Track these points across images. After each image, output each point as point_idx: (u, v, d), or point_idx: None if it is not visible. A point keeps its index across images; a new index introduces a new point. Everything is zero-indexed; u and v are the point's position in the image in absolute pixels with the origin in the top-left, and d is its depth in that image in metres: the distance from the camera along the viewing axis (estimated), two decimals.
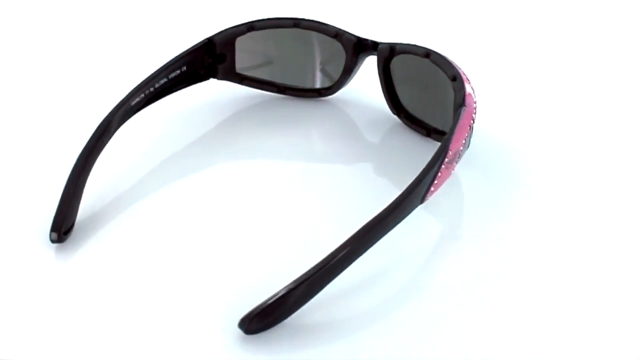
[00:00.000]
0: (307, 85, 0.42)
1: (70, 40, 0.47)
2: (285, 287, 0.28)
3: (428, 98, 0.38)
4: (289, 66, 0.41)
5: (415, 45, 0.38)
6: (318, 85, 0.41)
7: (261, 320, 0.28)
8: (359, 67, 0.40)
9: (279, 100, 0.42)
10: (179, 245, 0.33)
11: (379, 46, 0.39)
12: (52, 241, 0.32)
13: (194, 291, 0.31)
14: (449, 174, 0.33)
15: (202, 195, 0.36)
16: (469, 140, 0.35)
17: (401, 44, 0.38)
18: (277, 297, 0.28)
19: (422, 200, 0.32)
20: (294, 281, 0.28)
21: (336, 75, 0.40)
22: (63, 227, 0.32)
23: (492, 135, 0.39)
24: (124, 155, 0.37)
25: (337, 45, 0.40)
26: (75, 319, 0.29)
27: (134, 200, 0.35)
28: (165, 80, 0.39)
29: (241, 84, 0.41)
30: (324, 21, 0.40)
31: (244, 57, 0.41)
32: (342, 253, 0.29)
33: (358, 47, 0.40)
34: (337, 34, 0.40)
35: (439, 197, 0.34)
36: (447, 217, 0.35)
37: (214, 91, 0.41)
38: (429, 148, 0.35)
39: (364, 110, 0.41)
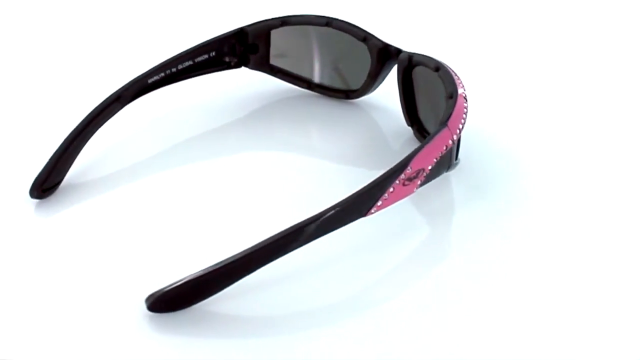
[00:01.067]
0: (336, 85, 0.42)
1: (97, 22, 0.50)
2: (192, 275, 0.29)
3: (435, 114, 0.37)
4: (319, 64, 0.42)
5: (429, 58, 0.37)
6: (346, 86, 0.42)
7: (164, 301, 0.29)
8: (386, 73, 0.40)
9: (306, 97, 0.42)
10: (144, 223, 0.34)
11: (400, 55, 0.38)
12: (30, 195, 0.35)
13: (138, 265, 0.32)
14: (409, 192, 0.32)
15: (190, 179, 0.37)
16: (452, 161, 0.34)
17: (418, 54, 0.37)
18: (180, 283, 0.29)
19: (364, 214, 0.31)
20: (203, 270, 0.29)
21: (363, 79, 0.40)
22: (45, 184, 0.35)
23: (489, 139, 0.39)
24: (136, 131, 0.39)
25: (364, 49, 0.40)
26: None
27: (127, 175, 0.37)
28: (190, 62, 0.40)
29: (273, 75, 0.42)
30: (358, 22, 0.40)
31: (277, 50, 0.42)
32: (255, 250, 0.29)
33: (383, 54, 0.39)
34: (365, 38, 0.40)
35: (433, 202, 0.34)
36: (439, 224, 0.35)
37: (244, 81, 0.43)
38: None
39: (391, 117, 0.41)
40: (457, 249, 0.34)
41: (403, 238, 0.34)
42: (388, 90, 0.40)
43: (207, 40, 0.41)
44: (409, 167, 0.32)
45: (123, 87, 0.38)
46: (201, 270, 0.29)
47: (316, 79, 0.42)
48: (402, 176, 0.31)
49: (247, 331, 0.30)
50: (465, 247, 0.34)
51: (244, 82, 0.43)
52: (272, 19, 0.41)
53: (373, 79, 0.40)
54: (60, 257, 0.33)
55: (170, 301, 0.29)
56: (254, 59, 0.42)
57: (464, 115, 0.34)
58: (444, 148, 0.33)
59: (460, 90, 0.35)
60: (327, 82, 0.42)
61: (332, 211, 0.30)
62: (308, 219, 0.30)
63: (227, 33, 0.41)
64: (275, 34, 0.42)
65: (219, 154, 0.39)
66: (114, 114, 0.37)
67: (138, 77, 0.39)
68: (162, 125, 0.40)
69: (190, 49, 0.40)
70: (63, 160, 0.35)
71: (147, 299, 0.29)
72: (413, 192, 0.32)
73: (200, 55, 0.40)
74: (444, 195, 0.36)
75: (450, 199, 0.36)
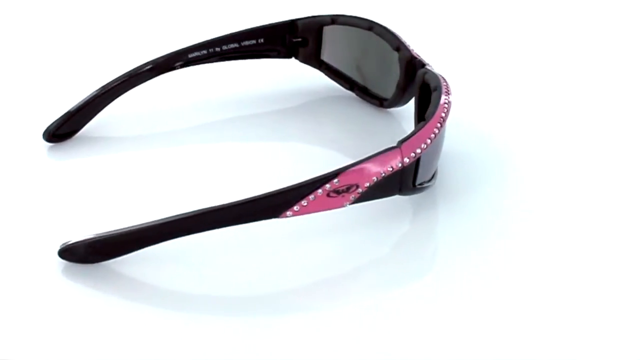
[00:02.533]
0: (375, 90, 0.41)
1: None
2: (102, 234, 0.31)
3: None
4: (362, 67, 0.41)
5: (436, 76, 0.36)
6: (383, 94, 0.41)
7: (73, 251, 0.31)
8: (413, 86, 0.39)
9: (344, 99, 0.42)
10: (131, 183, 0.37)
11: (418, 71, 0.37)
12: (43, 137, 0.38)
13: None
14: (337, 205, 0.31)
15: (194, 158, 0.39)
16: (406, 184, 0.33)
17: (431, 72, 0.36)
18: (90, 240, 0.31)
19: (278, 215, 0.31)
20: (110, 232, 0.31)
21: (393, 89, 0.39)
22: (59, 130, 0.38)
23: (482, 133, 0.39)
24: (168, 101, 0.42)
25: (396, 59, 0.39)
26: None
27: (140, 139, 0.40)
28: (235, 45, 0.42)
29: (320, 70, 0.43)
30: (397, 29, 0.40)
31: (327, 46, 0.42)
32: (166, 222, 0.30)
33: (410, 66, 0.38)
34: (398, 48, 0.39)
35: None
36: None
37: (291, 72, 0.44)
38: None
39: None
40: (448, 245, 0.34)
41: (389, 234, 0.34)
42: None
43: (257, 27, 0.42)
44: (336, 180, 0.31)
45: (161, 57, 0.41)
46: (107, 232, 0.31)
47: (359, 81, 0.42)
48: (327, 187, 0.31)
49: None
50: (456, 243, 0.34)
51: (290, 73, 0.44)
52: (323, 15, 0.42)
53: (401, 91, 0.39)
54: (47, 190, 0.36)
55: (75, 253, 0.31)
56: (303, 52, 0.43)
57: (429, 141, 0.32)
58: (389, 169, 0.32)
59: (440, 114, 0.33)
60: (368, 86, 0.41)
61: (240, 205, 0.30)
62: (217, 206, 0.31)
63: (277, 23, 0.42)
64: (327, 31, 0.42)
65: (234, 139, 0.40)
66: (145, 81, 0.40)
67: (179, 50, 0.41)
68: (195, 100, 0.42)
69: (238, 32, 0.42)
70: (83, 113, 0.39)
71: (60, 247, 0.32)
72: (343, 205, 0.32)
73: (248, 39, 0.42)
74: (435, 191, 0.36)
75: (441, 195, 0.36)
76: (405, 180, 0.33)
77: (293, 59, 0.43)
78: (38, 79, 0.44)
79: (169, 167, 0.38)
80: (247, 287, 0.32)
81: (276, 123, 0.41)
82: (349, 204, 0.32)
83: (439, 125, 0.33)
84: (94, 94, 0.39)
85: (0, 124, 0.40)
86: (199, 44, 0.41)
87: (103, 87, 0.39)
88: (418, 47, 0.39)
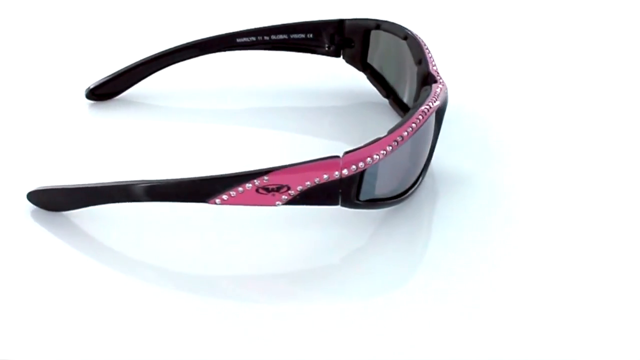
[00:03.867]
0: (404, 100, 0.40)
1: None
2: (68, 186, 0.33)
3: None
4: (397, 76, 0.40)
5: (427, 96, 0.34)
6: (409, 105, 0.39)
7: (38, 197, 0.34)
8: None
9: (380, 106, 0.41)
10: (150, 148, 0.39)
11: (426, 86, 0.35)
12: (85, 94, 0.42)
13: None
14: (268, 202, 0.31)
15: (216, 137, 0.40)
16: (346, 197, 0.31)
17: (428, 89, 0.34)
18: (55, 187, 0.33)
19: (207, 200, 0.31)
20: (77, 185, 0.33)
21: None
22: (99, 90, 0.42)
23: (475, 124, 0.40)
24: (207, 80, 0.43)
25: (415, 72, 0.37)
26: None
27: (171, 111, 0.42)
28: (284, 36, 0.42)
29: (364, 73, 0.42)
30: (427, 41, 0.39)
31: (372, 50, 0.41)
32: (114, 186, 0.32)
33: (424, 81, 0.36)
34: (420, 61, 0.37)
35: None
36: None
37: (337, 72, 0.43)
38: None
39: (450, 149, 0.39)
40: (440, 236, 0.34)
41: (382, 226, 0.34)
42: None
43: (307, 21, 0.42)
44: (266, 177, 0.30)
45: (209, 37, 0.42)
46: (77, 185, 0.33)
47: (396, 90, 0.41)
48: (257, 182, 0.31)
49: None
50: (449, 234, 0.33)
51: (335, 72, 0.43)
52: (369, 19, 0.41)
53: None
54: (78, 139, 0.39)
55: (43, 197, 0.34)
56: (348, 53, 0.42)
57: (376, 157, 0.31)
58: (324, 177, 0.31)
59: (400, 132, 0.32)
60: (399, 96, 0.40)
61: (171, 184, 0.31)
62: (151, 181, 0.32)
63: (327, 20, 0.42)
64: (373, 35, 0.41)
65: (261, 126, 0.41)
66: (190, 57, 0.42)
67: (227, 33, 0.42)
68: (234, 84, 0.43)
69: (289, 23, 0.42)
70: (124, 78, 0.42)
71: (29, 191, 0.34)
72: (274, 204, 0.31)
73: (297, 32, 0.42)
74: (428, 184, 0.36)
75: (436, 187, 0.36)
76: (347, 192, 0.31)
77: (341, 58, 0.43)
78: (92, 43, 0.48)
79: (187, 141, 0.40)
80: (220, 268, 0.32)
81: (304, 118, 0.41)
82: (282, 204, 0.31)
83: (395, 142, 0.31)
84: (138, 62, 0.42)
85: (53, 78, 0.44)
86: (248, 30, 0.42)
87: (147, 57, 0.42)
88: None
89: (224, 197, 0.31)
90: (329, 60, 0.43)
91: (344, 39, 0.42)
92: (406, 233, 0.34)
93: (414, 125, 0.32)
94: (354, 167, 0.31)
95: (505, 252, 0.33)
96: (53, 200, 0.34)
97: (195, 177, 0.31)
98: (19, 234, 0.33)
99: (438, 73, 0.36)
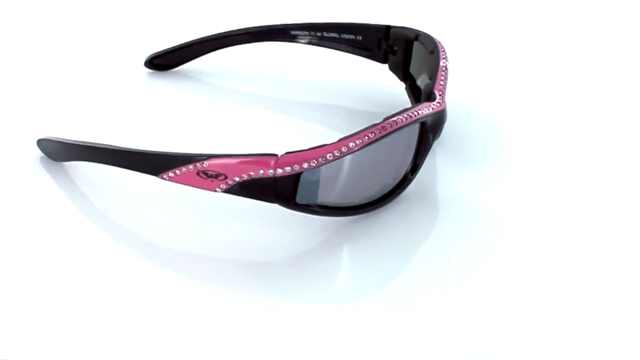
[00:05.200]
0: None
1: None
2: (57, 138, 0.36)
3: None
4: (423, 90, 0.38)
5: (403, 114, 0.32)
6: None
7: (43, 145, 0.37)
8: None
9: None
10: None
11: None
12: (144, 63, 0.44)
13: None
14: (209, 187, 0.31)
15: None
16: (282, 196, 0.31)
17: (416, 105, 0.33)
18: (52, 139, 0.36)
19: (156, 174, 0.32)
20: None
21: None
22: (157, 60, 0.44)
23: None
24: (255, 66, 0.44)
25: (425, 86, 0.35)
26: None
27: (218, 90, 0.43)
28: (335, 35, 0.42)
29: (404, 83, 0.40)
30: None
31: (413, 61, 0.40)
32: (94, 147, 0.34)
33: (426, 98, 0.34)
34: (431, 77, 0.35)
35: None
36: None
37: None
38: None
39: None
40: (442, 221, 0.34)
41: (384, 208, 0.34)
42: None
43: (358, 23, 0.41)
44: (205, 162, 0.31)
45: (264, 26, 0.43)
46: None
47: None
48: (197, 166, 0.31)
49: None
50: (451, 220, 0.33)
51: (379, 79, 0.42)
52: (410, 29, 0.39)
53: None
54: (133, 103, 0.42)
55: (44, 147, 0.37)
56: (392, 60, 0.41)
57: (314, 163, 0.30)
58: (259, 172, 0.30)
59: (347, 143, 0.30)
60: None
61: (125, 151, 0.33)
62: (110, 145, 0.34)
63: (375, 25, 0.41)
64: (415, 46, 0.39)
65: (300, 118, 0.41)
66: (242, 43, 0.43)
67: (282, 24, 0.43)
68: (281, 73, 0.44)
69: (341, 23, 0.42)
70: (181, 53, 0.44)
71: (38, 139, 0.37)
72: (214, 190, 0.31)
73: (347, 33, 0.42)
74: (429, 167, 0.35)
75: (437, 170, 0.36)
76: (283, 192, 0.31)
77: (387, 65, 0.42)
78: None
79: (223, 118, 0.41)
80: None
81: (337, 117, 0.41)
82: (221, 192, 0.32)
83: (338, 152, 0.30)
84: (194, 41, 0.44)
85: (118, 46, 0.47)
86: (302, 23, 0.43)
87: (203, 37, 0.44)
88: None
89: (171, 174, 0.32)
90: (374, 65, 0.42)
91: (389, 46, 0.41)
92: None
93: (365, 138, 0.31)
94: (288, 168, 0.31)
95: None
96: (52, 151, 0.37)
97: (148, 151, 0.33)
98: (29, 175, 0.37)
99: (442, 92, 0.35)
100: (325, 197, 0.32)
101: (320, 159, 0.31)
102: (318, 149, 0.31)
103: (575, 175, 0.36)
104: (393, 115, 0.32)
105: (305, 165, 0.31)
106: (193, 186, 0.32)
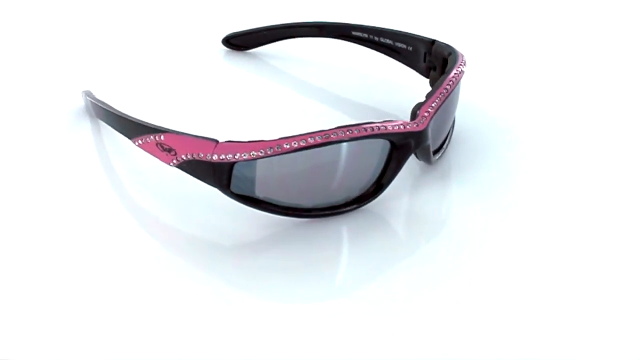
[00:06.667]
0: None
1: None
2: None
3: None
4: None
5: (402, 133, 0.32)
6: None
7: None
8: None
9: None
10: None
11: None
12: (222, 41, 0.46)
13: None
14: (165, 160, 0.32)
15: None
16: (219, 180, 0.31)
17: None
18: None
19: (130, 138, 0.34)
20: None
21: None
22: (233, 40, 0.46)
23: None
24: (318, 58, 0.45)
25: None
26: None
27: (278, 74, 0.44)
28: (389, 41, 0.41)
29: None
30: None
31: None
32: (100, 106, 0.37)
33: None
34: (429, 95, 0.33)
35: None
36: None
37: None
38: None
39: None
40: (451, 218, 0.33)
41: (394, 206, 0.33)
42: None
43: (412, 34, 0.40)
44: (161, 136, 0.32)
45: (334, 22, 0.43)
46: None
47: None
48: (155, 138, 0.32)
49: None
50: (459, 218, 0.33)
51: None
52: (448, 46, 0.37)
53: None
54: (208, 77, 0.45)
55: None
56: (431, 76, 0.39)
57: (250, 154, 0.30)
58: (199, 155, 0.31)
59: (282, 143, 0.30)
60: None
61: (114, 112, 0.35)
62: (110, 106, 0.36)
63: (423, 37, 0.39)
64: (449, 63, 0.37)
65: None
66: (309, 36, 0.44)
67: (347, 23, 0.42)
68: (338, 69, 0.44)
69: (397, 31, 0.41)
70: (256, 37, 0.46)
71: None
72: (169, 163, 0.32)
73: (401, 42, 0.40)
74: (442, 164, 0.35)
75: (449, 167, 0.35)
76: (219, 179, 0.31)
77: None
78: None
79: (281, 102, 0.42)
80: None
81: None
82: (175, 166, 0.32)
83: (270, 149, 0.30)
84: (266, 27, 0.46)
85: (204, 26, 0.50)
86: (364, 25, 0.42)
87: (276, 25, 0.46)
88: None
89: (140, 141, 0.34)
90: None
91: (430, 61, 0.39)
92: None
93: (303, 142, 0.30)
94: (222, 156, 0.31)
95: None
96: (87, 105, 0.40)
97: (128, 116, 0.35)
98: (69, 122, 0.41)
99: (430, 113, 0.33)
100: (267, 193, 0.32)
101: (252, 153, 0.31)
102: (254, 143, 0.31)
103: (575, 176, 0.35)
104: (352, 125, 0.31)
105: (238, 156, 0.31)
106: (154, 156, 0.34)
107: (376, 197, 0.33)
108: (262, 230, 0.32)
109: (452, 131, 0.37)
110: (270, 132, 0.31)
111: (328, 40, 0.44)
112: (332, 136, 0.31)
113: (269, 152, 0.30)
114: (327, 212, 0.33)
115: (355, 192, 0.33)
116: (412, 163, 0.34)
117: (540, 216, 0.32)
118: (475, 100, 0.40)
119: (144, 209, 0.34)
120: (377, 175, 0.33)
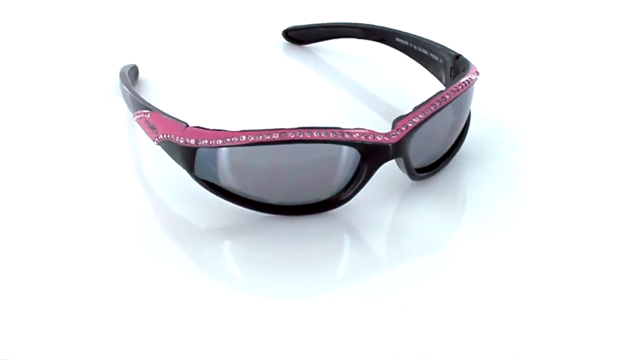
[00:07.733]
0: None
1: None
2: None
3: None
4: None
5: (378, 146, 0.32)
6: None
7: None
8: None
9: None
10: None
11: None
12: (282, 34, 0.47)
13: None
14: (151, 137, 0.33)
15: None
16: (188, 164, 0.32)
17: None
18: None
19: (132, 111, 0.36)
20: None
21: None
22: (292, 33, 0.47)
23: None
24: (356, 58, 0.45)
25: None
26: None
27: (322, 68, 0.45)
28: (425, 51, 0.39)
29: None
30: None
31: None
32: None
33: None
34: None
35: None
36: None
37: None
38: None
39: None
40: (459, 222, 0.33)
41: (398, 210, 0.34)
42: None
43: (446, 47, 0.38)
44: (148, 114, 0.33)
45: (376, 26, 0.43)
46: None
47: None
48: (145, 115, 0.33)
49: None
50: (468, 222, 0.33)
51: None
52: (466, 61, 0.36)
53: None
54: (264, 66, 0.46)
55: None
56: None
57: (217, 142, 0.30)
58: (170, 135, 0.31)
59: (240, 136, 0.30)
60: None
61: (131, 90, 0.36)
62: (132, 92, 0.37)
63: (453, 51, 0.37)
64: None
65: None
66: (357, 37, 0.44)
67: (392, 29, 0.42)
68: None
69: (432, 42, 0.39)
70: (309, 33, 0.47)
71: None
72: (154, 140, 0.33)
73: (434, 53, 0.39)
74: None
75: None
76: (185, 161, 0.31)
77: None
78: None
79: (321, 95, 0.43)
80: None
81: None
82: (157, 144, 0.33)
83: (234, 139, 0.30)
84: (320, 24, 0.46)
85: (257, 19, 0.51)
86: (408, 34, 0.41)
87: (328, 23, 0.46)
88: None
89: (138, 116, 0.35)
90: None
91: (452, 75, 0.37)
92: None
93: (260, 137, 0.30)
94: (188, 140, 0.31)
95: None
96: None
97: (128, 90, 0.36)
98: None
99: (409, 127, 0.32)
100: (230, 183, 0.32)
101: (211, 141, 0.31)
102: (217, 131, 0.31)
103: (576, 177, 0.35)
104: (313, 128, 0.31)
105: (200, 142, 0.31)
106: (145, 132, 0.35)
107: (344, 203, 0.32)
108: (255, 224, 0.33)
109: (456, 151, 0.36)
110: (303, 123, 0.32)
111: (369, 43, 0.44)
112: (289, 135, 0.30)
113: (227, 142, 0.31)
114: (292, 211, 0.33)
115: (323, 195, 0.33)
116: None
117: (546, 221, 0.32)
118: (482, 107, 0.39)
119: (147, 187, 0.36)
120: (346, 181, 0.32)
